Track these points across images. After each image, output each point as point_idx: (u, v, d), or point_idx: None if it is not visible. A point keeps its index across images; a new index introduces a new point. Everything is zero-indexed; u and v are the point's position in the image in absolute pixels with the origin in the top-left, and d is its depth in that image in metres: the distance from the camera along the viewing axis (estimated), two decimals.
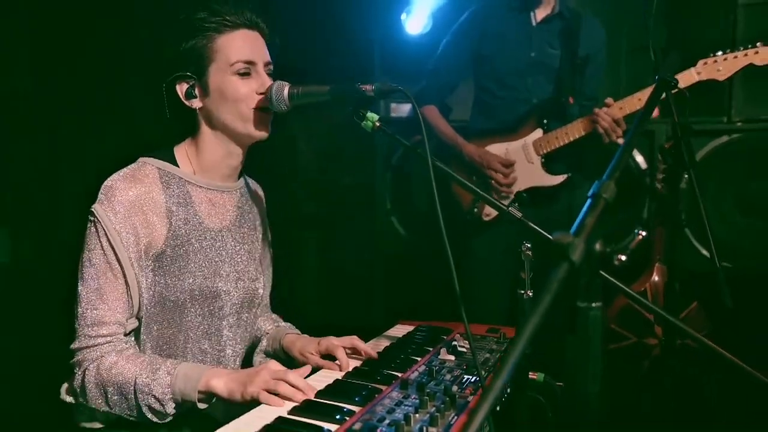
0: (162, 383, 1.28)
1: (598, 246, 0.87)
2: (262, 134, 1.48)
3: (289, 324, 1.76)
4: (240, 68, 1.42)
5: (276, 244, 1.82)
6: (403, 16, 3.35)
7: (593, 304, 0.91)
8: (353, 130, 1.46)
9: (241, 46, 1.43)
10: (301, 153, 3.66)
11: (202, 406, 1.28)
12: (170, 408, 1.29)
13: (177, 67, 1.44)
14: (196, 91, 1.45)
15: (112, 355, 1.33)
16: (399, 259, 3.46)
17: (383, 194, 3.48)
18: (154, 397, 1.28)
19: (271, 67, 1.50)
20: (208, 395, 1.28)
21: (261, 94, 1.44)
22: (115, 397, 1.31)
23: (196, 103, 1.46)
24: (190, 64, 1.43)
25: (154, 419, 1.31)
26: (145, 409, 1.29)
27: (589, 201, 0.94)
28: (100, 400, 1.33)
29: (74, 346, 1.36)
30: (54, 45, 2.94)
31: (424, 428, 1.04)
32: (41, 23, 2.95)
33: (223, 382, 1.26)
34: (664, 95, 1.64)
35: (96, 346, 1.34)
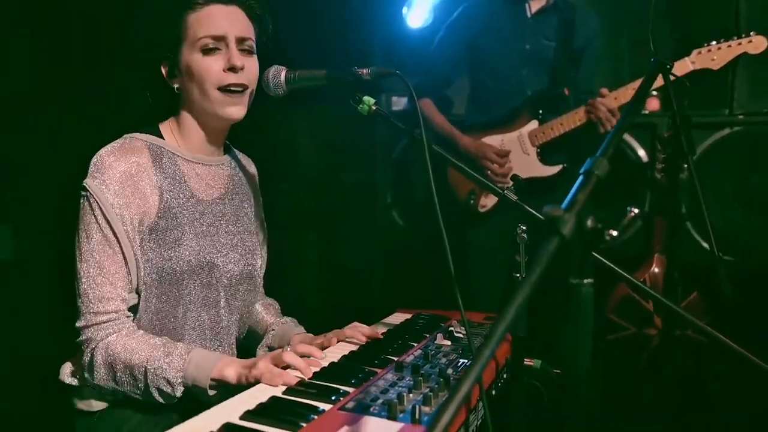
0: (175, 367, 1.28)
1: (589, 222, 0.87)
2: (231, 113, 1.43)
3: (292, 319, 1.74)
4: (204, 44, 1.38)
5: (277, 239, 1.82)
6: (405, 10, 3.36)
7: (585, 281, 0.90)
8: (354, 125, 1.47)
9: (209, 22, 1.40)
10: (302, 149, 3.67)
11: (211, 393, 1.28)
12: (179, 392, 1.29)
13: (158, 48, 1.43)
14: (176, 71, 1.44)
15: (121, 335, 1.33)
16: (400, 252, 3.46)
17: (384, 188, 3.49)
18: (166, 380, 1.28)
19: (251, 42, 1.45)
20: (219, 383, 1.28)
21: (229, 70, 1.40)
22: (124, 377, 1.32)
23: (176, 83, 1.45)
24: (166, 44, 1.42)
25: (161, 400, 1.31)
26: (153, 391, 1.30)
27: (581, 177, 0.94)
28: (107, 379, 1.33)
29: (80, 324, 1.35)
30: (55, 43, 2.95)
31: (417, 407, 1.03)
32: (43, 20, 2.96)
33: (233, 370, 1.27)
34: (663, 81, 1.64)
35: (102, 323, 1.34)
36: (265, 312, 1.73)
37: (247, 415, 1.05)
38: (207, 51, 1.39)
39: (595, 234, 0.91)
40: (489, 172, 2.43)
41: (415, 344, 1.47)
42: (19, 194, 3.00)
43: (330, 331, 1.55)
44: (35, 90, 3.00)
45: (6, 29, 2.88)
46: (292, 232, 3.49)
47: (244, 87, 1.42)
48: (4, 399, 2.47)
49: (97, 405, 1.43)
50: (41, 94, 2.99)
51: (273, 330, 1.67)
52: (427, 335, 1.55)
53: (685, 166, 1.80)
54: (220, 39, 1.40)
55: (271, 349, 1.65)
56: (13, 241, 3.10)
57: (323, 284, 3.69)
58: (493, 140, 2.49)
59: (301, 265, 3.65)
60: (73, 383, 1.45)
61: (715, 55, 2.17)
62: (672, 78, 1.75)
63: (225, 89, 1.40)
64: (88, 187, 1.34)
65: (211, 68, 1.39)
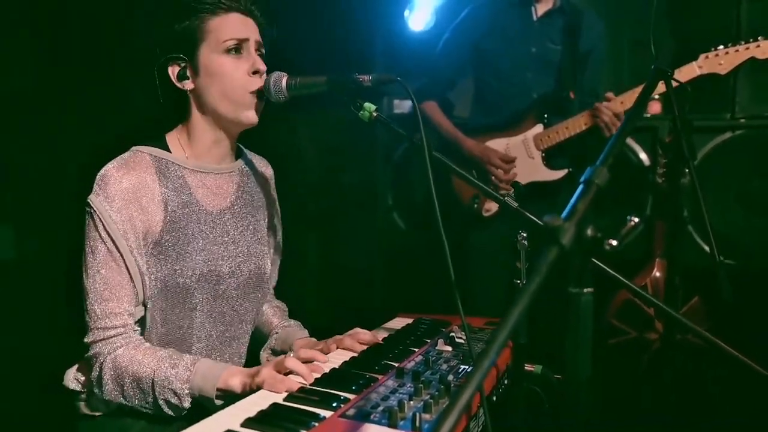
0: (181, 378, 1.29)
1: (589, 231, 0.87)
2: (250, 118, 1.46)
3: (297, 322, 1.74)
4: (230, 45, 1.42)
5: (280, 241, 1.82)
6: (406, 13, 3.37)
7: (584, 290, 0.91)
8: (355, 127, 1.47)
9: (232, 25, 1.43)
10: (304, 151, 3.67)
11: (218, 402, 1.29)
12: (187, 403, 1.30)
13: (169, 49, 1.44)
14: (188, 73, 1.46)
15: (128, 348, 1.35)
16: (401, 254, 3.47)
17: (385, 190, 3.49)
18: (173, 391, 1.29)
19: (263, 50, 1.49)
20: (225, 393, 1.29)
21: (254, 74, 1.43)
22: (132, 391, 1.33)
23: (188, 85, 1.46)
24: (181, 44, 1.44)
25: (170, 413, 1.32)
26: (161, 403, 1.31)
27: (581, 187, 0.94)
28: (116, 393, 1.35)
29: (88, 339, 1.37)
30: (56, 42, 2.96)
31: (418, 415, 1.04)
32: (43, 20, 2.97)
33: (238, 380, 1.28)
34: (665, 89, 1.64)
35: (109, 338, 1.35)
36: (272, 314, 1.74)
37: (248, 422, 1.06)
38: (230, 51, 1.42)
39: (595, 243, 0.91)
40: (494, 177, 2.43)
41: (416, 350, 1.47)
42: (20, 194, 3.01)
43: (330, 338, 1.56)
44: (36, 90, 3.01)
45: (6, 29, 2.89)
46: (294, 234, 3.49)
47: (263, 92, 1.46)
48: (6, 400, 2.47)
49: (101, 408, 1.44)
50: (42, 94, 2.99)
51: (277, 333, 1.68)
52: (428, 341, 1.55)
53: (687, 170, 1.80)
54: (244, 41, 1.44)
55: (274, 351, 1.67)
56: (14, 242, 3.10)
57: (324, 286, 3.69)
58: (498, 144, 2.49)
59: (303, 267, 3.65)
60: (78, 388, 1.46)
61: (722, 60, 2.16)
62: (675, 84, 1.75)
63: (249, 93, 1.44)
64: (92, 204, 1.36)
65: (237, 70, 1.42)
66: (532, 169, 2.45)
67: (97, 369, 1.35)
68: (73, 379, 1.46)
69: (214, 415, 1.09)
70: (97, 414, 1.44)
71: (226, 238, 1.52)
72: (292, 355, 1.32)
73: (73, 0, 2.85)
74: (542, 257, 0.83)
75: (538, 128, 2.45)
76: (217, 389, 1.28)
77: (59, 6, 2.88)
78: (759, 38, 2.12)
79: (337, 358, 1.43)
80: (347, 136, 3.41)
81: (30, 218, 3.04)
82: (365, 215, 3.56)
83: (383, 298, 3.56)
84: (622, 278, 1.27)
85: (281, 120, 3.25)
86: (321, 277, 3.72)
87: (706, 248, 2.71)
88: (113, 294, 1.35)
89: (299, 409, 1.12)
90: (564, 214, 0.88)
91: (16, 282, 2.92)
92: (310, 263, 3.72)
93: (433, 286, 1.95)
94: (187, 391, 1.29)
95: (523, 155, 2.46)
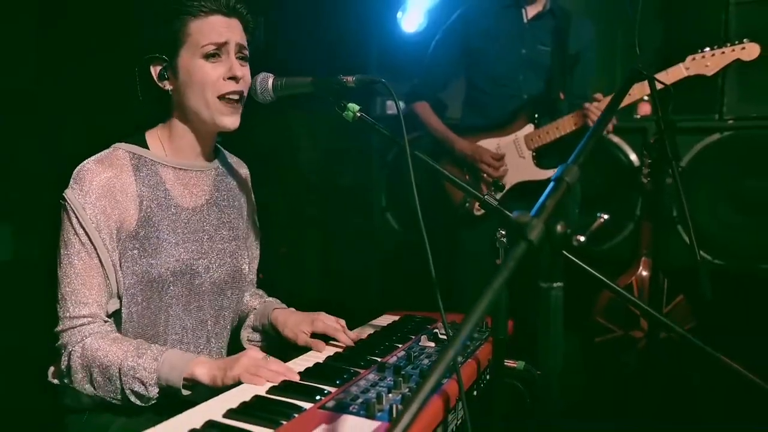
0: (147, 368, 1.31)
1: (558, 227, 0.90)
2: (227, 123, 1.47)
3: (275, 299, 1.77)
4: (209, 50, 1.42)
5: (274, 242, 1.84)
6: (399, 15, 3.40)
7: (554, 284, 0.94)
8: (350, 129, 1.49)
9: (212, 29, 1.43)
10: (298, 152, 3.71)
11: (185, 392, 1.31)
12: (154, 392, 1.32)
13: (151, 49, 1.46)
14: (168, 73, 1.48)
15: (96, 337, 1.36)
16: (395, 254, 3.50)
17: (379, 191, 3.53)
18: (139, 381, 1.31)
19: (246, 52, 1.50)
20: (192, 383, 1.31)
21: (230, 79, 1.44)
22: (100, 379, 1.34)
23: (168, 85, 1.48)
24: (163, 46, 1.45)
25: (138, 402, 1.34)
26: (128, 392, 1.32)
27: (551, 184, 0.97)
28: (84, 382, 1.36)
29: (58, 328, 1.40)
30: (59, 42, 2.99)
31: (395, 406, 1.07)
32: (47, 21, 3.00)
33: (206, 370, 1.29)
34: (649, 89, 1.67)
35: (78, 327, 1.37)
36: (250, 299, 1.77)
37: (230, 413, 1.08)
38: (209, 56, 1.43)
39: (564, 239, 0.94)
40: (485, 175, 2.46)
41: (400, 346, 1.51)
42: (20, 194, 3.03)
43: (314, 312, 1.63)
44: (40, 88, 3.04)
45: (7, 30, 2.92)
46: (289, 235, 3.53)
47: (241, 95, 1.48)
48: (5, 399, 2.50)
49: (88, 403, 1.45)
50: (42, 94, 3.02)
51: (255, 309, 1.72)
52: (413, 337, 1.58)
53: (670, 171, 1.83)
54: (223, 45, 1.44)
55: (254, 329, 1.71)
56: (13, 242, 3.13)
57: (319, 285, 3.72)
58: (489, 143, 2.52)
59: (298, 267, 3.68)
60: (59, 384, 1.48)
61: (708, 62, 2.20)
62: (660, 86, 1.78)
63: (223, 97, 1.45)
64: (66, 198, 1.40)
65: (212, 75, 1.44)
66: (522, 169, 2.48)
67: (66, 358, 1.38)
68: (54, 375, 1.48)
69: (198, 406, 1.12)
70: (84, 408, 1.45)
71: (202, 234, 1.54)
72: (253, 353, 1.32)
73: (79, 1, 2.88)
74: (510, 253, 0.86)
75: (529, 128, 2.48)
76: (184, 379, 1.29)
77: (60, 6, 2.91)
78: (744, 40, 2.16)
79: (322, 354, 1.46)
80: (342, 137, 3.44)
81: (28, 219, 3.06)
82: (360, 216, 3.59)
83: (378, 298, 3.59)
84: (603, 277, 1.29)
85: (277, 121, 3.28)
86: (317, 276, 3.75)
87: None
88: (83, 285, 1.38)
89: (281, 401, 1.15)
90: (533, 210, 0.91)
91: (14, 282, 2.94)
92: (306, 263, 3.75)
93: (427, 284, 1.98)
94: (153, 381, 1.30)
95: (514, 155, 2.49)
